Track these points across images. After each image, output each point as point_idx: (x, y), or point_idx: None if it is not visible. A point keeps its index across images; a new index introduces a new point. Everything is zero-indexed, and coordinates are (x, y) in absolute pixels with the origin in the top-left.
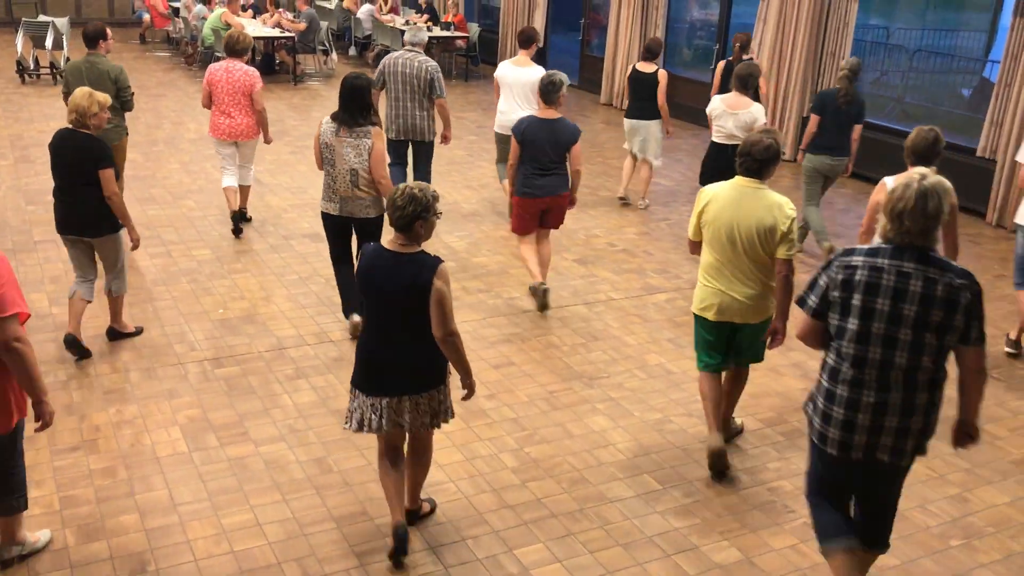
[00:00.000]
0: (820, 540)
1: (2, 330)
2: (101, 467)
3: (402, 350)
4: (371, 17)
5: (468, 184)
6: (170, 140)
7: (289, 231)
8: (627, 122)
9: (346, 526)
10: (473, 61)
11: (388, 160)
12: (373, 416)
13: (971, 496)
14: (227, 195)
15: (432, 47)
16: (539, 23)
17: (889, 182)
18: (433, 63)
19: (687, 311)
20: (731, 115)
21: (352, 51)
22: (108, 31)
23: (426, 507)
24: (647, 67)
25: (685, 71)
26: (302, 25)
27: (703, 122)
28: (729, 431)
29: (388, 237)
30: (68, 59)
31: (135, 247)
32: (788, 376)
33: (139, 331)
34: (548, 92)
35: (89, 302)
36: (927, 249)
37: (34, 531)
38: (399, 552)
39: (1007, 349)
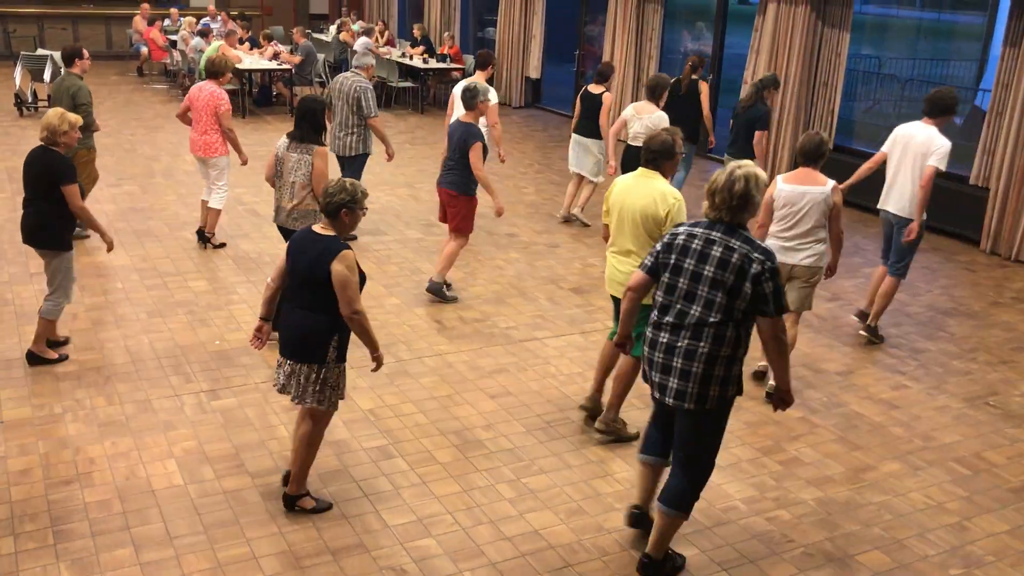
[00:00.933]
0: (639, 450)
1: None
2: (96, 500)
3: (294, 317)
4: (367, 50)
5: None
6: (168, 172)
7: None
8: (572, 137)
9: (343, 559)
10: None
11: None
12: (278, 372)
13: (970, 524)
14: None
15: (428, 79)
16: (535, 54)
17: (779, 180)
18: (363, 83)
19: None
20: (638, 119)
21: None
22: (84, 51)
23: (308, 503)
24: (596, 88)
25: None
26: (298, 58)
27: (698, 151)
28: (597, 405)
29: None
30: None
31: (109, 249)
32: None
33: (63, 358)
34: (465, 99)
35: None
36: (736, 225)
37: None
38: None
39: (855, 319)
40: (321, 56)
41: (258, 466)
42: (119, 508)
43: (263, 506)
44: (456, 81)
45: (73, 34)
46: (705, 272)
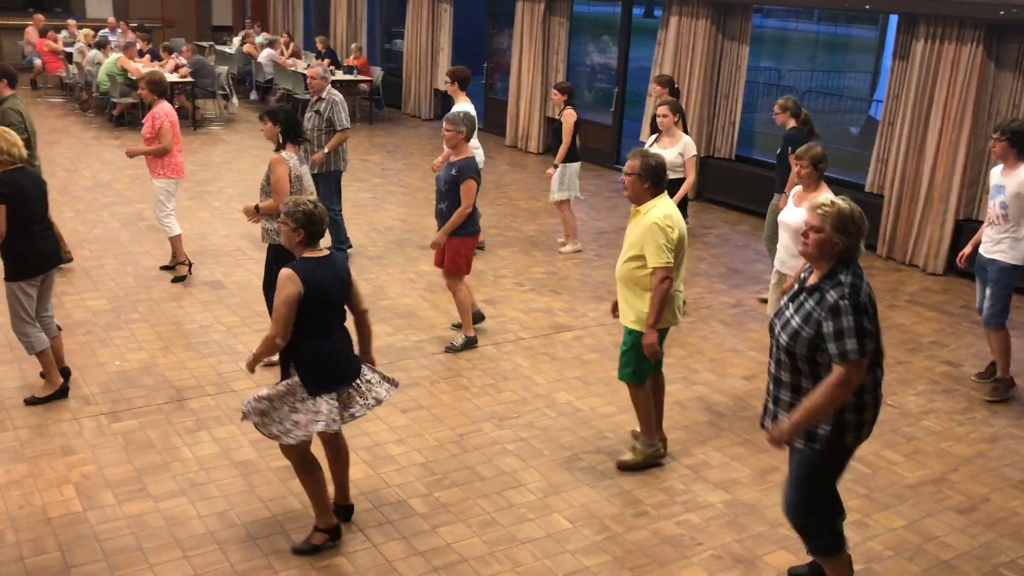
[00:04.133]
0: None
1: None
2: None
3: None
4: (272, 61)
5: (374, 227)
6: (64, 188)
7: (189, 278)
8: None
9: None
10: (377, 104)
11: None
12: None
13: (870, 521)
14: None
15: (337, 89)
16: (443, 66)
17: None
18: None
19: (595, 348)
20: None
21: (253, 95)
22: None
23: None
24: None
25: (586, 113)
26: (187, 70)
27: (605, 163)
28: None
29: None
30: None
31: None
32: (692, 410)
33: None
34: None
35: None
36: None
37: None
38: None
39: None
40: (224, 68)
41: (161, 489)
42: (12, 538)
43: (167, 530)
44: (364, 93)
45: None
46: None
